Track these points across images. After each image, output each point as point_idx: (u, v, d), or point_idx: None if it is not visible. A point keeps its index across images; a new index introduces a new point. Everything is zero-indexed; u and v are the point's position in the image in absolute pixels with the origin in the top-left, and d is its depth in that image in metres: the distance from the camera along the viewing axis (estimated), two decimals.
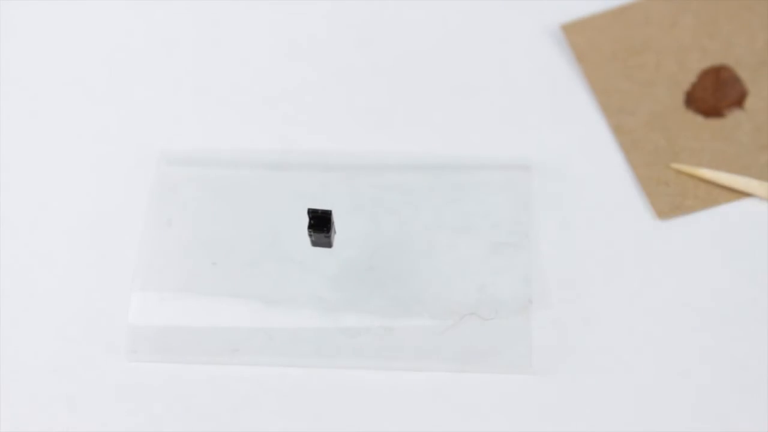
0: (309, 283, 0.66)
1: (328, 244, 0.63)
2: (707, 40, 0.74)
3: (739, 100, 0.72)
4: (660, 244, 0.67)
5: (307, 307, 0.65)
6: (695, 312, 0.65)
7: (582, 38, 0.74)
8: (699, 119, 0.71)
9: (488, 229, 0.67)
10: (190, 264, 0.66)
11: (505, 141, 0.71)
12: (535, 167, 0.70)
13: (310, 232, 0.62)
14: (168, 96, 0.73)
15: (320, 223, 0.62)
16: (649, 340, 0.64)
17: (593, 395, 0.63)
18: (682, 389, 0.63)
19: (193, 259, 0.66)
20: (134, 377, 0.64)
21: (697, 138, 0.71)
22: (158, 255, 0.66)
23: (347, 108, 0.72)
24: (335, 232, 0.63)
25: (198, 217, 0.68)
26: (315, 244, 0.63)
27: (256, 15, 0.76)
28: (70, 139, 0.71)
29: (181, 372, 0.64)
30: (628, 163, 0.70)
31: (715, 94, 0.72)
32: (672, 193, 0.69)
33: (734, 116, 0.71)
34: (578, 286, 0.66)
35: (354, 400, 0.63)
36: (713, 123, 0.71)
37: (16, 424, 0.63)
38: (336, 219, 0.63)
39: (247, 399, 0.63)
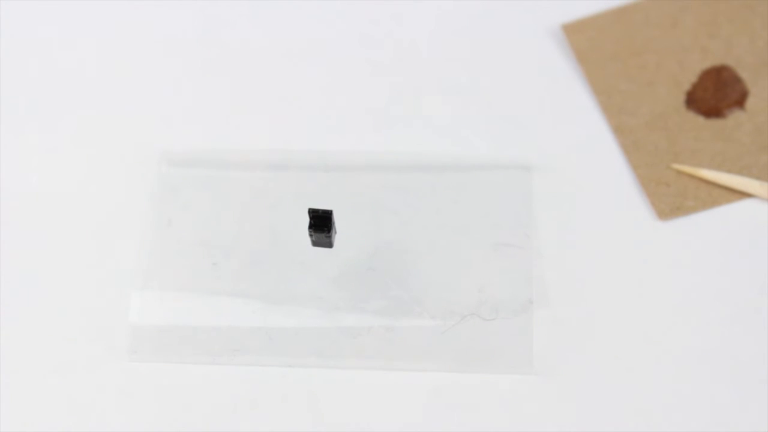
0: (309, 283, 0.66)
1: (329, 244, 0.63)
2: (708, 41, 0.74)
3: (739, 101, 0.72)
4: (660, 245, 0.67)
5: (307, 307, 0.65)
6: (695, 312, 0.65)
7: (583, 38, 0.74)
8: (700, 120, 0.71)
9: (488, 229, 0.67)
10: (190, 264, 0.66)
11: (505, 141, 0.71)
12: (535, 167, 0.70)
13: (310, 232, 0.62)
14: (168, 96, 0.73)
15: (321, 223, 0.62)
16: (649, 340, 0.64)
17: (594, 395, 0.63)
18: (682, 389, 0.63)
19: (193, 260, 0.66)
20: (135, 377, 0.64)
21: (697, 138, 0.71)
22: (159, 255, 0.66)
23: (347, 108, 0.72)
24: (336, 232, 0.63)
25: (198, 218, 0.68)
26: (315, 244, 0.63)
27: (257, 15, 0.76)
28: (71, 139, 0.71)
29: (181, 372, 0.64)
30: (629, 164, 0.70)
31: (715, 94, 0.72)
32: (672, 194, 0.69)
33: (735, 116, 0.71)
34: (579, 286, 0.66)
35: (354, 400, 0.63)
36: (714, 123, 0.71)
37: (16, 424, 0.63)
38: (336, 219, 0.63)
39: (247, 399, 0.63)
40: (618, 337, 0.65)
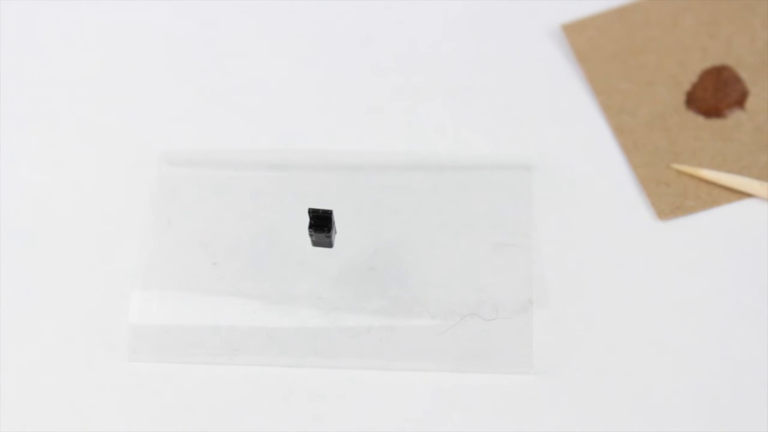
0: (309, 283, 0.66)
1: (329, 244, 0.63)
2: (708, 40, 0.74)
3: (739, 101, 0.72)
4: (660, 245, 0.67)
5: (307, 307, 0.65)
6: (695, 312, 0.65)
7: (583, 38, 0.74)
8: (700, 119, 0.71)
9: (489, 229, 0.67)
10: (190, 264, 0.66)
11: (505, 141, 0.71)
12: (536, 167, 0.70)
13: (310, 232, 0.62)
14: (168, 96, 0.73)
15: (321, 223, 0.62)
16: (650, 340, 0.64)
17: (594, 395, 0.63)
18: (682, 389, 0.63)
19: (193, 259, 0.66)
20: (134, 377, 0.64)
21: (697, 138, 0.71)
22: (159, 255, 0.66)
23: (347, 108, 0.72)
24: (336, 232, 0.63)
25: (198, 218, 0.68)
26: (315, 244, 0.63)
27: (257, 15, 0.76)
28: (71, 139, 0.71)
29: (181, 372, 0.64)
30: (629, 164, 0.70)
31: (715, 94, 0.72)
32: (672, 194, 0.69)
33: (735, 116, 0.71)
34: (579, 286, 0.66)
35: (354, 400, 0.63)
36: (714, 123, 0.71)
37: (17, 424, 0.63)
38: (336, 219, 0.63)
39: (247, 399, 0.63)
40: (618, 336, 0.65)
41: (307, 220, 0.62)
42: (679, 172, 0.70)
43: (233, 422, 0.63)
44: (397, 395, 0.63)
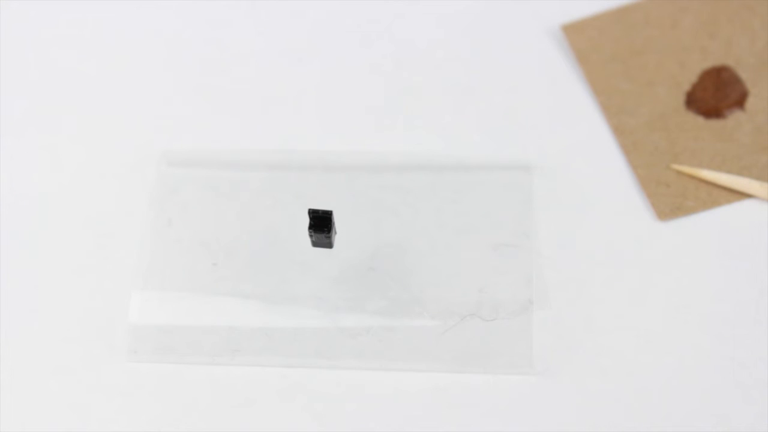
0: (309, 284, 0.66)
1: (329, 245, 0.63)
2: (708, 41, 0.74)
3: (739, 101, 0.72)
4: (660, 245, 0.67)
5: (307, 307, 0.65)
6: (695, 312, 0.65)
7: (582, 39, 0.74)
8: (699, 120, 0.71)
9: (488, 229, 0.67)
10: (190, 264, 0.66)
11: (505, 141, 0.71)
12: (536, 167, 0.70)
13: (310, 232, 0.62)
14: (168, 96, 0.73)
15: (321, 224, 0.62)
16: (650, 341, 0.64)
17: (594, 395, 0.63)
18: (682, 389, 0.63)
19: (193, 260, 0.66)
20: (134, 377, 0.64)
21: (697, 139, 0.71)
22: (159, 255, 0.66)
23: (347, 108, 0.72)
24: (336, 233, 0.63)
25: (198, 218, 0.68)
26: (315, 244, 0.63)
27: (257, 15, 0.76)
28: (71, 139, 0.71)
29: (181, 372, 0.64)
30: (629, 164, 0.70)
31: (715, 94, 0.72)
32: (672, 194, 0.69)
33: (735, 117, 0.71)
34: (579, 286, 0.66)
35: (354, 400, 0.63)
36: (714, 124, 0.71)
37: (17, 424, 0.63)
38: (336, 219, 0.63)
39: (247, 399, 0.63)
40: (618, 337, 0.65)
41: (306, 220, 0.62)
42: (679, 173, 0.70)
43: (233, 422, 0.63)
44: (397, 395, 0.63)
